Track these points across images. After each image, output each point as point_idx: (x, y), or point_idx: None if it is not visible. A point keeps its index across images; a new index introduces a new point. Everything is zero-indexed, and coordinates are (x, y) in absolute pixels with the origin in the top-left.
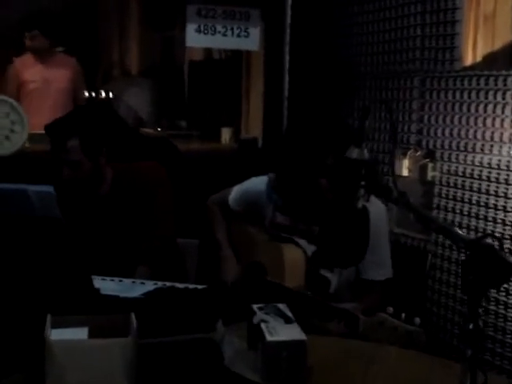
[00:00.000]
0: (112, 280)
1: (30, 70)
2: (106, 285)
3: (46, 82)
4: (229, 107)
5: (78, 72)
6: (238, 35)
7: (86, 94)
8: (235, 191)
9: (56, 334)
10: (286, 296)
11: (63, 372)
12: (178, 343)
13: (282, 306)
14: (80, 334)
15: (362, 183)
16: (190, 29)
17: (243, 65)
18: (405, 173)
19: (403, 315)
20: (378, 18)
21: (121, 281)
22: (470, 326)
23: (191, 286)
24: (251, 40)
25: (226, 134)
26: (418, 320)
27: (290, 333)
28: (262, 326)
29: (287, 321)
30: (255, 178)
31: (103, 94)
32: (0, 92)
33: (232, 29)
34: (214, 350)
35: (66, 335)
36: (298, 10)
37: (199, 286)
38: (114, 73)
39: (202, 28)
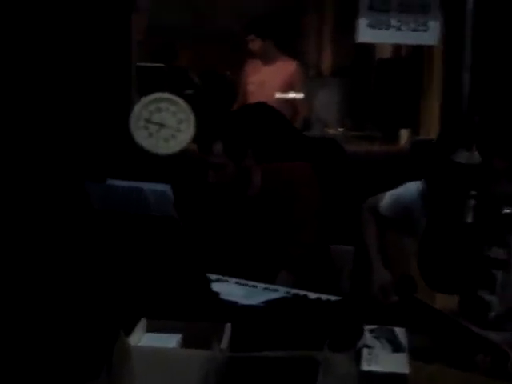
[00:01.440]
0: (245, 285)
1: (252, 72)
2: (233, 289)
3: (261, 85)
4: (409, 107)
5: (296, 76)
6: (415, 29)
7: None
8: (388, 196)
9: (147, 339)
10: (431, 318)
11: (136, 378)
12: (270, 359)
13: (398, 331)
14: (171, 340)
15: (473, 193)
16: (362, 24)
17: (424, 62)
18: None
19: None
20: None
21: (254, 286)
22: None
23: (324, 297)
24: (430, 34)
25: (404, 136)
26: None
27: (391, 363)
28: (364, 351)
29: (396, 349)
30: (410, 183)
31: (290, 95)
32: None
33: (408, 23)
34: (310, 371)
35: (157, 341)
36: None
37: (333, 298)
38: (310, 74)
39: (374, 22)
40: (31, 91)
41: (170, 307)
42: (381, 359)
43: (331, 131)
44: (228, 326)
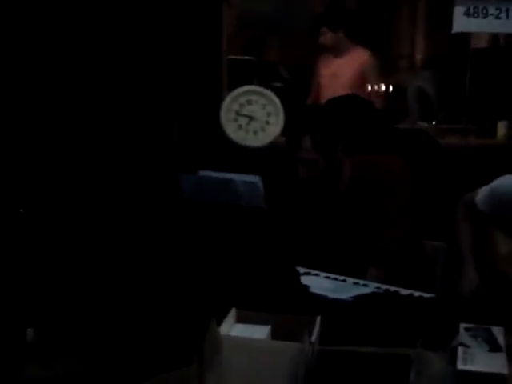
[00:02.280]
0: (335, 279)
1: (325, 65)
2: (323, 283)
3: (333, 76)
4: (506, 99)
5: (369, 65)
6: None
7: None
8: (484, 190)
9: (237, 329)
10: None
11: (225, 368)
12: (360, 355)
13: (496, 330)
14: (260, 331)
15: None
16: (458, 12)
17: None
18: None
19: None
20: None
21: (344, 280)
22: None
23: (416, 294)
24: None
25: (502, 128)
26: None
27: (489, 363)
28: (459, 350)
29: (493, 348)
30: (508, 175)
31: (383, 88)
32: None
33: (507, 10)
34: (402, 369)
35: (246, 331)
36: None
37: (425, 295)
38: (401, 65)
39: (471, 10)
40: (123, 84)
41: (260, 299)
42: (477, 359)
43: (424, 124)
44: (318, 319)
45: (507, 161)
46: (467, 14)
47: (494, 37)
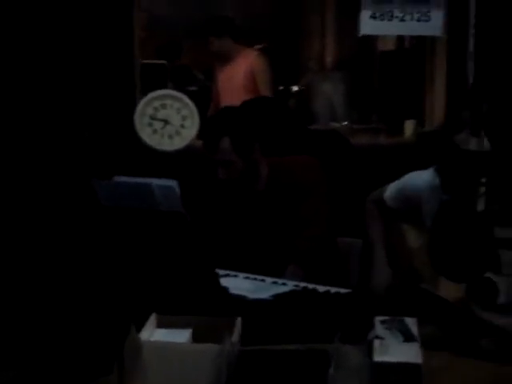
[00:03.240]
0: (254, 279)
1: (220, 70)
2: (242, 284)
3: (229, 80)
4: (413, 98)
5: (258, 66)
6: (418, 19)
7: (281, 87)
8: (392, 187)
9: (158, 334)
10: (439, 307)
11: (147, 374)
12: (281, 353)
13: (409, 321)
14: (181, 335)
15: (483, 180)
16: (365, 15)
17: (427, 52)
18: None
19: None
20: None
21: (262, 280)
22: None
23: (333, 290)
24: (433, 24)
25: (409, 127)
26: None
27: (403, 354)
28: (375, 342)
29: (408, 339)
30: (415, 172)
31: (294, 89)
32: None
33: (411, 13)
34: (322, 364)
35: (168, 336)
36: None
37: (342, 290)
38: (311, 67)
39: (377, 14)
40: (34, 91)
41: (179, 303)
42: (392, 350)
43: (336, 125)
44: (238, 320)
45: (414, 158)
46: (373, 17)
47: (400, 39)
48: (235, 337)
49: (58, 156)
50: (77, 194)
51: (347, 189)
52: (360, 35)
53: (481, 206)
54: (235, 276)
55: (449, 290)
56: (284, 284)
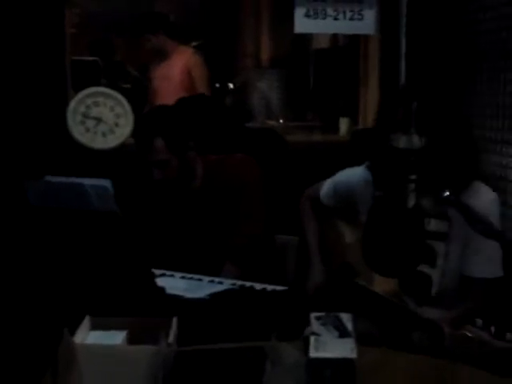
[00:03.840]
0: (191, 278)
1: (155, 68)
2: (178, 283)
3: (164, 78)
4: (348, 96)
5: (195, 65)
6: (351, 18)
7: (217, 85)
8: (326, 184)
9: (92, 337)
10: (372, 301)
11: (83, 377)
12: (217, 352)
13: (344, 317)
14: (116, 337)
15: (412, 177)
16: (299, 13)
17: (361, 51)
18: None
19: (493, 329)
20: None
21: (199, 279)
22: None
23: (269, 288)
24: (365, 23)
25: (343, 125)
26: (510, 336)
27: (338, 349)
28: (311, 339)
29: (342, 334)
30: (348, 169)
31: (231, 86)
32: None
33: (344, 12)
34: (258, 361)
35: (102, 338)
36: None
37: (278, 288)
38: (247, 64)
39: (311, 12)
40: None
41: (115, 304)
42: (328, 345)
43: (272, 122)
44: (174, 320)
45: (349, 156)
46: (307, 15)
47: (334, 37)
48: (171, 337)
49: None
50: (4, 194)
51: (283, 186)
52: (295, 33)
53: (411, 202)
54: (171, 276)
55: (383, 285)
56: (220, 283)
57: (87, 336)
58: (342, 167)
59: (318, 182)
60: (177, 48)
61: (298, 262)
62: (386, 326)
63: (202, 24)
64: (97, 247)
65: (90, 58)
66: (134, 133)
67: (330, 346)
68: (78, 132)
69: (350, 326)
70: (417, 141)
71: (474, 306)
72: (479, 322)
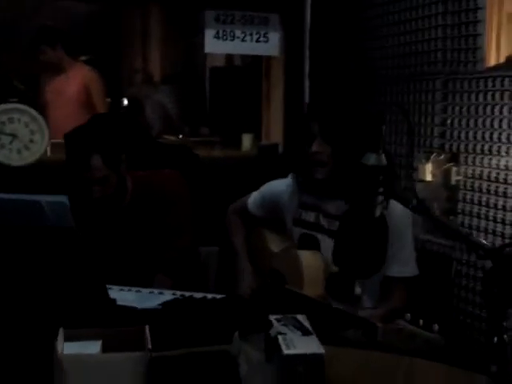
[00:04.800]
0: (130, 290)
1: (48, 82)
2: (124, 295)
3: (58, 93)
4: (249, 113)
5: (92, 81)
6: (257, 40)
7: (109, 100)
8: (254, 195)
9: (68, 348)
10: (304, 305)
11: None
12: (192, 356)
13: (300, 318)
14: (93, 347)
15: (380, 190)
16: (209, 34)
17: (263, 70)
18: (428, 177)
19: (421, 322)
20: (398, 20)
21: (139, 291)
22: (495, 340)
23: (209, 296)
24: (271, 45)
25: (246, 141)
26: (436, 327)
27: (307, 346)
28: (279, 338)
29: (305, 333)
30: (274, 181)
31: (125, 102)
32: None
33: (251, 34)
34: (230, 363)
35: (79, 349)
36: (318, 14)
37: (217, 296)
38: (137, 79)
39: (220, 34)
40: None
41: (71, 316)
42: (296, 343)
43: (171, 137)
44: (147, 328)
45: (254, 170)
46: (217, 36)
47: (229, 57)
48: (147, 345)
49: None
50: None
51: (199, 199)
52: (205, 52)
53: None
54: (110, 288)
55: (311, 290)
56: (161, 293)
57: (64, 347)
58: (248, 181)
59: (228, 194)
60: (73, 63)
61: (219, 271)
62: (321, 326)
63: (88, 38)
64: (54, 262)
65: None
66: (67, 151)
67: (298, 343)
68: None
69: (307, 325)
70: (383, 159)
71: (399, 303)
72: (408, 316)
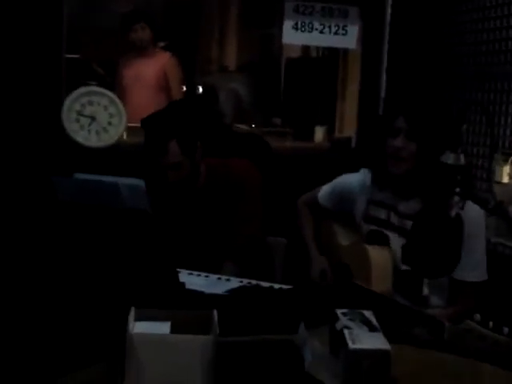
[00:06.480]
0: (198, 275)
1: (127, 66)
2: (192, 279)
3: (136, 78)
4: (324, 106)
5: (172, 66)
6: (336, 33)
7: (184, 88)
8: (325, 188)
9: (139, 327)
10: (371, 300)
11: (143, 365)
12: (258, 343)
13: (367, 313)
14: (163, 328)
15: (457, 190)
16: (287, 25)
17: (340, 63)
18: (505, 179)
19: (491, 324)
20: (479, 17)
21: (207, 276)
22: None
23: (276, 286)
24: (349, 38)
25: (319, 133)
26: (506, 329)
27: (373, 342)
28: (345, 332)
29: (372, 329)
30: (346, 174)
31: (200, 89)
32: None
33: (330, 26)
34: (295, 353)
35: (149, 329)
36: (398, 8)
37: (284, 286)
38: (212, 68)
39: (299, 25)
40: None
41: (142, 297)
42: (362, 338)
43: (244, 126)
44: (215, 312)
45: (325, 163)
46: (295, 27)
47: (305, 48)
48: (214, 329)
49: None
50: (33, 191)
51: (270, 191)
52: (283, 43)
53: (454, 212)
54: (179, 272)
55: (378, 286)
56: (228, 280)
57: (135, 326)
58: (321, 174)
59: (298, 186)
60: (154, 49)
61: (286, 263)
62: (387, 323)
63: (166, 25)
64: (128, 243)
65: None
66: (145, 136)
67: (364, 338)
68: (73, 130)
69: (374, 321)
70: (462, 158)
71: (466, 306)
72: (477, 316)
